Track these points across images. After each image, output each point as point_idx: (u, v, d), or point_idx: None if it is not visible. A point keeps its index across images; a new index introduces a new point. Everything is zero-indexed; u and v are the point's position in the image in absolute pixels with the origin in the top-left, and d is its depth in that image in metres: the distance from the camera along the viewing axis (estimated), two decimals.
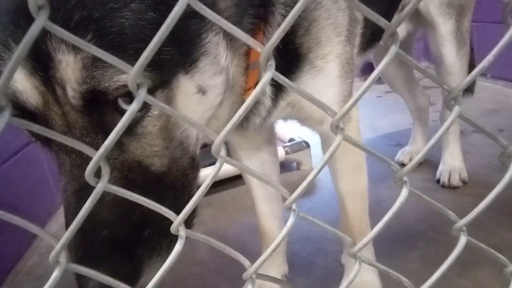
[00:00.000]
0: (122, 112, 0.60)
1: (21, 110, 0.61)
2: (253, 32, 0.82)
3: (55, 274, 0.38)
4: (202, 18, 0.67)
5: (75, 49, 0.56)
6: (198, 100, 0.69)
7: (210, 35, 0.69)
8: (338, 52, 0.94)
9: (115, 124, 0.56)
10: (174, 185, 0.69)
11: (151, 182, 0.65)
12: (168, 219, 0.61)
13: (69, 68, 0.56)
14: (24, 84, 0.58)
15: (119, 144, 0.63)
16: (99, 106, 0.60)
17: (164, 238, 0.64)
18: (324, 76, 0.93)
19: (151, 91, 0.61)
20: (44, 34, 0.55)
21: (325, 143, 1.16)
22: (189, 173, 0.72)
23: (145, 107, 0.62)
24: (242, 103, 0.82)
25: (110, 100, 0.59)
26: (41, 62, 0.57)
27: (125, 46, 0.57)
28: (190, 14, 0.64)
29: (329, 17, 0.91)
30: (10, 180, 1.77)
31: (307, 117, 1.02)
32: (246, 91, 0.86)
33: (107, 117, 0.61)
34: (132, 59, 0.56)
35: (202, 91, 0.69)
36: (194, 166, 0.73)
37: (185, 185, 0.71)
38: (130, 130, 0.62)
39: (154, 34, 0.34)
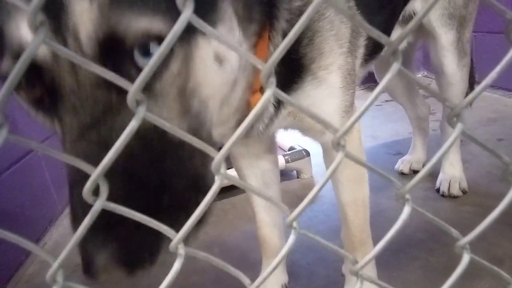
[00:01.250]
0: (138, 67, 0.56)
1: (30, 73, 0.55)
2: (259, 36, 0.81)
3: None
4: None
5: None
6: (215, 70, 0.65)
7: (225, 4, 0.66)
8: (340, 64, 0.95)
9: (130, 79, 0.54)
10: (191, 163, 0.62)
11: (169, 153, 0.59)
12: (188, 189, 0.57)
13: (84, 14, 0.52)
14: (30, 34, 0.53)
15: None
16: (114, 57, 0.55)
17: (184, 215, 0.56)
18: (326, 87, 0.94)
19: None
20: None
21: (327, 153, 1.16)
22: (206, 155, 0.65)
23: (163, 62, 0.55)
24: (247, 106, 0.82)
25: (126, 50, 0.55)
26: (49, 10, 0.51)
27: None
28: None
29: (332, 29, 0.92)
30: (11, 188, 1.77)
31: (308, 127, 1.02)
32: (252, 93, 0.84)
33: (122, 71, 0.56)
34: None
35: (218, 60, 0.65)
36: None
37: (203, 166, 0.63)
38: (147, 88, 0.57)
39: None
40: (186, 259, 0.43)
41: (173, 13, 0.53)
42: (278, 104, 0.93)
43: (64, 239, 1.96)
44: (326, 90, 0.94)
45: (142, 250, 0.53)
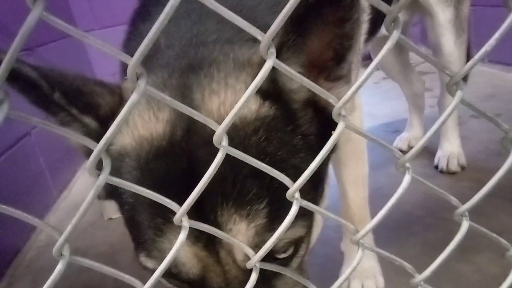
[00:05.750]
0: (278, 260, 0.62)
1: (180, 279, 0.60)
2: None
3: (59, 267, 0.38)
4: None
5: (248, 218, 0.55)
6: None
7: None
8: None
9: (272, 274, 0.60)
10: None
11: None
12: None
13: (241, 236, 0.55)
14: (186, 255, 0.57)
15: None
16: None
17: None
18: None
19: (303, 238, 0.66)
20: (214, 202, 0.55)
21: None
22: None
23: (294, 251, 0.64)
24: None
25: (271, 256, 0.60)
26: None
27: None
28: None
29: None
30: (6, 174, 1.76)
31: None
32: None
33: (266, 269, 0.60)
34: None
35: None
36: None
37: None
38: (279, 274, 0.62)
39: None
40: None
41: None
42: None
43: (62, 224, 1.96)
44: None
45: None
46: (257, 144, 0.57)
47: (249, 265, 0.51)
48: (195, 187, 0.42)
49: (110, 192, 0.66)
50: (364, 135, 0.45)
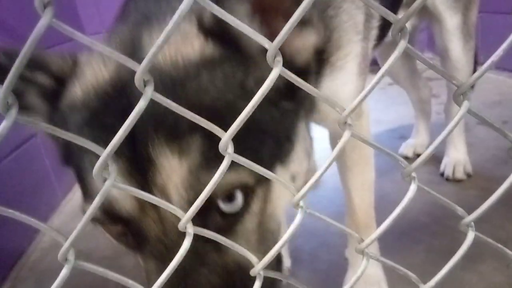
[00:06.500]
0: (222, 212, 0.58)
1: (114, 218, 0.59)
2: None
3: (64, 272, 0.38)
4: (296, 109, 0.67)
5: (180, 153, 0.53)
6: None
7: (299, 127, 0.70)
8: (357, 51, 0.95)
9: (215, 225, 0.56)
10: None
11: (245, 277, 0.61)
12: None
13: (174, 174, 0.53)
14: (120, 192, 0.55)
15: (216, 247, 0.59)
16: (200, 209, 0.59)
17: None
18: (343, 75, 0.93)
19: (253, 188, 0.60)
20: (145, 137, 0.53)
21: (333, 138, 1.16)
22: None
23: (244, 207, 0.60)
24: None
25: (211, 203, 0.57)
26: (138, 166, 0.54)
27: None
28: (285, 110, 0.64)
29: (349, 19, 0.91)
30: (11, 176, 1.77)
31: (323, 118, 1.01)
32: None
33: (206, 218, 0.57)
34: None
35: (293, 178, 0.68)
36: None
37: None
38: (230, 230, 0.60)
39: None
40: None
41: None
42: None
43: (66, 226, 1.96)
44: (343, 78, 0.94)
45: None
46: (198, 86, 0.56)
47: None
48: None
49: (65, 157, 0.67)
50: (369, 144, 0.45)
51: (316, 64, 0.84)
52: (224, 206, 0.58)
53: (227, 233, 0.58)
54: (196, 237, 0.46)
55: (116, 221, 0.59)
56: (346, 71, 0.94)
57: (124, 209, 0.56)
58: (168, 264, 0.45)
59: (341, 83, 0.94)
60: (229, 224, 0.60)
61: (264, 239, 0.65)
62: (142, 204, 0.55)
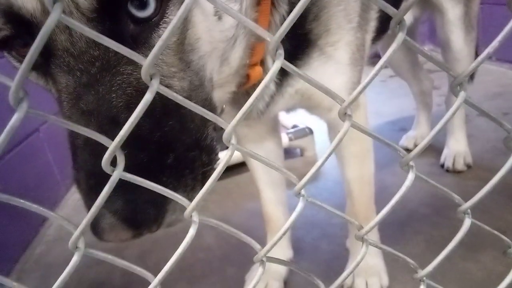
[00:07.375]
0: (134, 19, 0.54)
1: (15, 22, 0.53)
2: (260, 8, 0.79)
3: (75, 259, 0.40)
4: None
5: None
6: (215, 23, 0.64)
7: None
8: (348, 40, 0.94)
9: (126, 34, 0.51)
10: (193, 119, 0.62)
11: (172, 110, 0.58)
12: (193, 150, 0.57)
13: None
14: None
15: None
16: (110, 12, 0.53)
17: (189, 171, 0.57)
18: (334, 63, 0.93)
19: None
20: None
21: (332, 130, 1.17)
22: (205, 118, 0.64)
23: (159, 13, 0.54)
24: (245, 78, 0.81)
25: (121, 4, 0.53)
26: None
27: None
28: None
29: (339, 4, 0.90)
30: (15, 170, 1.78)
31: (316, 104, 1.01)
32: (251, 66, 0.82)
33: (118, 25, 0.54)
34: None
35: (218, 14, 0.64)
36: (211, 110, 0.66)
37: (203, 125, 0.63)
38: (146, 42, 0.56)
39: None
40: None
41: None
42: (281, 81, 0.92)
43: (70, 219, 1.98)
44: (333, 67, 0.93)
45: (148, 211, 0.53)
46: None
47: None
48: None
49: None
50: (368, 133, 0.46)
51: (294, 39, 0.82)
52: (136, 12, 0.54)
53: (143, 47, 0.56)
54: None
55: (16, 28, 0.54)
56: (337, 60, 0.93)
57: (24, 6, 0.51)
58: (79, 77, 0.46)
59: (332, 72, 0.94)
60: (142, 33, 0.55)
61: (188, 70, 0.62)
62: (45, 8, 0.51)
